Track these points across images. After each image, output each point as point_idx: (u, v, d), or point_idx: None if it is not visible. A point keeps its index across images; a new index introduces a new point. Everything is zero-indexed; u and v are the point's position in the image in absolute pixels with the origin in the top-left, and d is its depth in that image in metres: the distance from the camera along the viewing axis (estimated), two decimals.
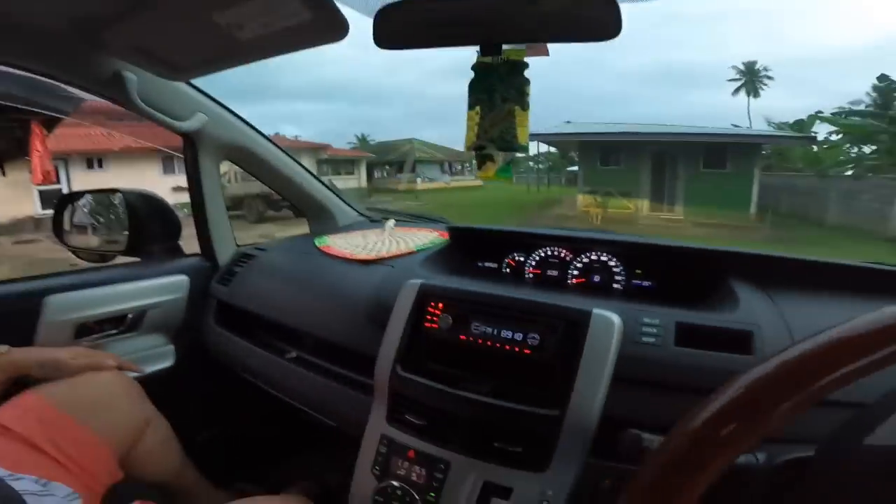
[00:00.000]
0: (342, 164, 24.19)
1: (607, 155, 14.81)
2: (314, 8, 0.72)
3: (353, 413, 0.84)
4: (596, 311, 0.67)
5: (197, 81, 1.13)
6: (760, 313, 0.69)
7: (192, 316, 1.23)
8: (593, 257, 0.95)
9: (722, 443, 0.30)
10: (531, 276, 1.00)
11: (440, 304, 0.76)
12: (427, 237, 1.17)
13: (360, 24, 0.78)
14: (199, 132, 1.16)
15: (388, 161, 27.63)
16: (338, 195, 1.45)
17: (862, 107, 16.19)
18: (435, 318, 0.75)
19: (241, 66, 0.94)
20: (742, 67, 31.95)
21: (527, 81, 0.68)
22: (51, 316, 1.00)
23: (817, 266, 0.81)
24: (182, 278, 1.20)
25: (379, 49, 0.71)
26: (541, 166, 21.59)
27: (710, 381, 0.60)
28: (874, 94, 16.12)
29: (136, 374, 1.03)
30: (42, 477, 0.74)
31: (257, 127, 1.26)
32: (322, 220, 1.44)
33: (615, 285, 0.93)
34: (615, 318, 0.66)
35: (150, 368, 1.13)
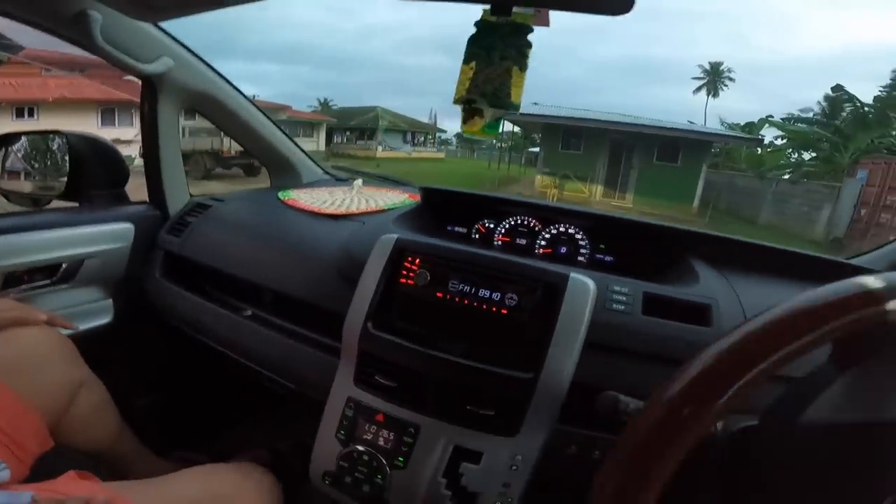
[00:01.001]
0: (302, 126, 23.79)
1: (569, 139, 15.12)
2: None
3: (316, 375, 0.81)
4: (573, 274, 0.67)
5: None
6: (717, 289, 0.73)
7: (136, 268, 1.13)
8: (561, 229, 0.97)
9: (696, 411, 0.31)
10: (499, 243, 1.01)
11: (417, 260, 0.74)
12: (398, 197, 1.16)
13: None
14: (163, 76, 1.07)
15: (350, 127, 27.29)
16: (303, 152, 1.39)
17: (811, 115, 17.32)
18: (411, 274, 0.73)
19: (217, 8, 0.87)
20: (708, 67, 33.62)
21: (528, 44, 0.67)
22: None
23: (767, 250, 0.87)
24: (126, 226, 1.10)
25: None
26: (503, 145, 21.90)
27: (673, 349, 0.64)
28: (824, 104, 17.05)
29: (69, 332, 0.92)
30: None
31: None
32: (286, 175, 1.38)
33: (579, 257, 0.95)
34: (591, 283, 0.67)
35: (86, 325, 1.05)
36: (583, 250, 0.95)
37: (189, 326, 1.07)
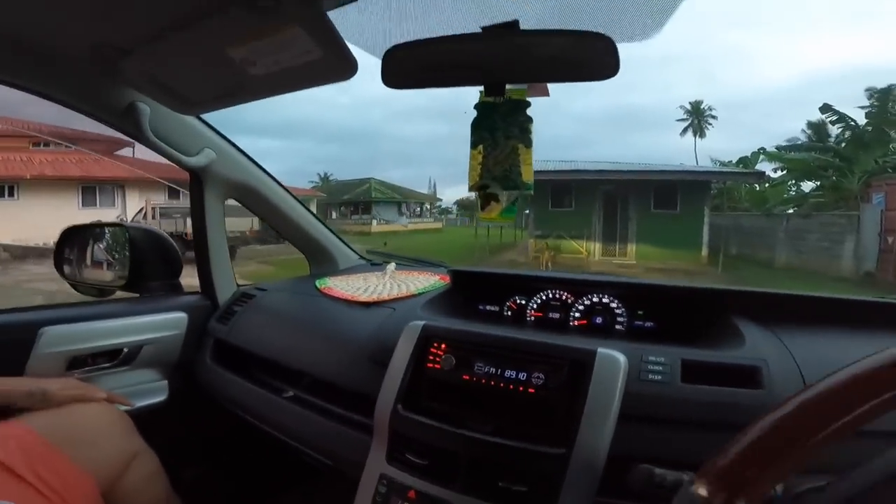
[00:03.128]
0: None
1: (559, 196, 14.00)
2: (325, 46, 0.76)
3: (350, 452, 0.83)
4: (601, 350, 0.67)
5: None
6: (767, 349, 0.70)
7: (188, 353, 1.21)
8: (595, 299, 0.96)
9: (748, 481, 0.30)
10: (532, 318, 1.01)
11: (443, 345, 0.76)
12: (428, 280, 1.18)
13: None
14: (206, 169, 1.17)
15: (343, 201, 26.50)
16: (339, 238, 1.46)
17: (800, 143, 16.08)
18: (437, 359, 0.75)
19: (250, 101, 0.98)
20: (689, 107, 33.11)
21: (529, 119, 0.70)
22: (44, 347, 0.99)
23: (818, 302, 0.83)
24: (181, 315, 1.19)
25: (388, 87, 0.74)
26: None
27: (720, 415, 0.61)
28: (809, 132, 16.33)
29: (126, 408, 1.02)
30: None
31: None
32: (323, 261, 1.44)
33: (617, 326, 0.93)
34: (620, 357, 0.66)
35: (142, 402, 1.11)
36: (620, 319, 0.93)
37: (236, 406, 1.13)
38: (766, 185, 18.17)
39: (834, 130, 15.48)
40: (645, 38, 0.67)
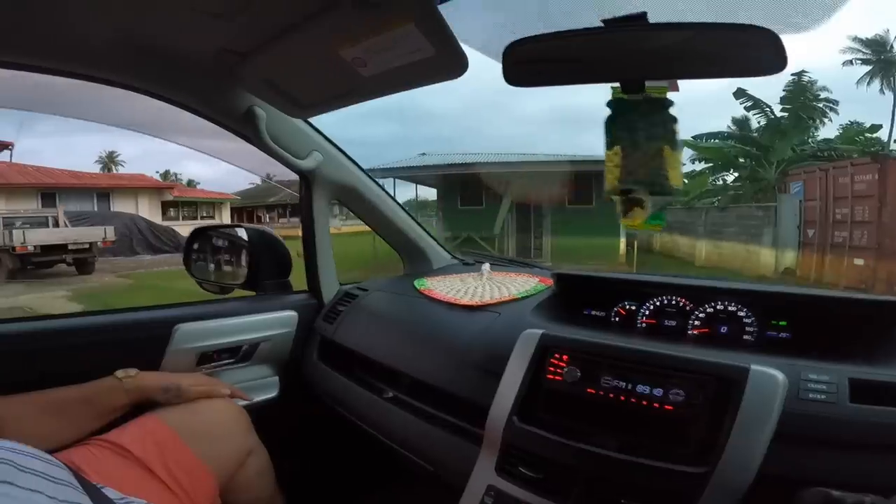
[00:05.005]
0: (201, 206, 20.80)
1: (468, 193, 12.79)
2: (437, 43, 0.75)
3: (453, 459, 0.83)
4: (754, 367, 0.62)
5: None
6: None
7: (297, 350, 1.26)
8: (718, 306, 0.88)
9: None
10: (644, 325, 0.94)
11: (564, 356, 0.73)
12: (528, 283, 1.15)
13: None
14: (314, 171, 1.21)
15: (269, 204, 24.97)
16: (433, 238, 1.47)
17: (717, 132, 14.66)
18: (559, 370, 0.72)
19: (360, 102, 0.99)
20: None
21: (674, 119, 0.65)
22: (178, 343, 1.07)
23: None
24: (291, 314, 1.24)
25: (510, 85, 0.71)
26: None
27: None
28: (733, 127, 14.96)
29: (244, 403, 1.08)
30: (151, 501, 0.75)
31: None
32: (417, 261, 1.46)
33: (746, 336, 0.85)
34: (779, 375, 0.61)
35: (257, 398, 1.17)
36: (749, 328, 0.85)
37: (338, 404, 1.17)
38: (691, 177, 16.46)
39: (755, 122, 14.30)
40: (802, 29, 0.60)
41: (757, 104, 13.47)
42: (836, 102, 14.55)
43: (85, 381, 0.94)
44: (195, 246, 1.35)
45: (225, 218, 20.73)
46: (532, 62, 0.70)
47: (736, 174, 14.87)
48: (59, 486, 0.60)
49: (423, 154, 14.39)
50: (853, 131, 14.48)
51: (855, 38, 15.52)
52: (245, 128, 1.09)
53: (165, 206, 17.67)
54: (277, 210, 24.47)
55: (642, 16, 0.61)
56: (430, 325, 1.05)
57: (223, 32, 0.87)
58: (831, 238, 8.44)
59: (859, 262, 7.83)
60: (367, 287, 1.31)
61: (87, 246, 10.14)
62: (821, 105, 14.39)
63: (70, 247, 9.87)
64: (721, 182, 15.76)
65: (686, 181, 15.64)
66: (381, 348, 1.09)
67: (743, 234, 10.38)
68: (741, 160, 14.04)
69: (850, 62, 15.91)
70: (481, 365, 0.85)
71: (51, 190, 14.09)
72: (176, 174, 33.33)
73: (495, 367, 0.78)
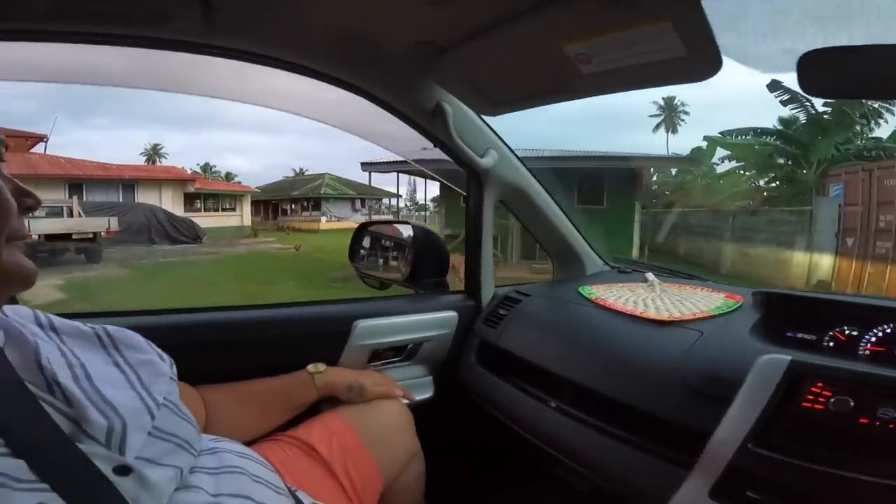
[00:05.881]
0: (223, 199, 21.43)
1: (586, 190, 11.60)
2: (693, 44, 0.69)
3: (638, 476, 0.81)
4: None
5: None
6: None
7: (454, 352, 1.24)
8: None
9: None
10: (867, 352, 0.85)
11: (828, 385, 0.67)
12: (713, 299, 1.06)
13: None
14: (488, 171, 1.17)
15: (293, 198, 25.34)
16: (588, 243, 1.41)
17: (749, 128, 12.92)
18: (821, 399, 0.67)
19: (564, 101, 0.95)
20: (662, 103, 30.89)
21: None
22: (356, 340, 1.07)
23: None
24: (452, 315, 1.22)
25: (808, 94, 0.68)
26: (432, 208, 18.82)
27: None
28: (780, 127, 12.98)
29: (407, 402, 1.05)
30: None
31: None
32: (570, 266, 1.40)
33: None
34: None
35: (416, 398, 1.15)
36: None
37: (496, 409, 1.13)
38: (720, 178, 15.08)
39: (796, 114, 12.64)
40: None
41: (795, 97, 11.97)
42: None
43: (273, 372, 0.95)
44: (361, 239, 1.35)
45: (245, 210, 21.66)
46: (832, 73, 0.66)
47: (772, 174, 13.56)
48: (281, 497, 0.59)
49: (425, 149, 13.84)
50: None
51: None
52: (430, 123, 1.06)
53: (188, 198, 18.26)
54: (301, 203, 25.16)
55: None
56: (613, 338, 0.99)
57: (426, 24, 0.84)
58: (873, 248, 7.45)
59: None
60: (528, 292, 1.26)
61: (91, 236, 10.51)
62: (876, 105, 12.85)
63: (74, 236, 10.28)
64: (754, 184, 14.54)
65: (720, 181, 14.99)
66: (554, 357, 1.04)
67: (773, 241, 9.52)
68: (778, 159, 12.76)
69: None
70: (696, 387, 0.80)
71: (78, 181, 14.89)
72: (212, 167, 35.81)
73: (717, 391, 0.74)
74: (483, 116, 1.14)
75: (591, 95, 0.92)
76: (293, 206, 25.41)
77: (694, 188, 15.69)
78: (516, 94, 0.98)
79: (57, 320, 0.57)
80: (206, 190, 21.35)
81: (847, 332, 0.88)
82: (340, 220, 22.62)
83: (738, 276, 9.47)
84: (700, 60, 0.73)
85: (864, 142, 12.43)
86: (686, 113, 32.70)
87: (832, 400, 0.66)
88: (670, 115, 32.38)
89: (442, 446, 1.18)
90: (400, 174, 13.36)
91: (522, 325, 1.15)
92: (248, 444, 0.73)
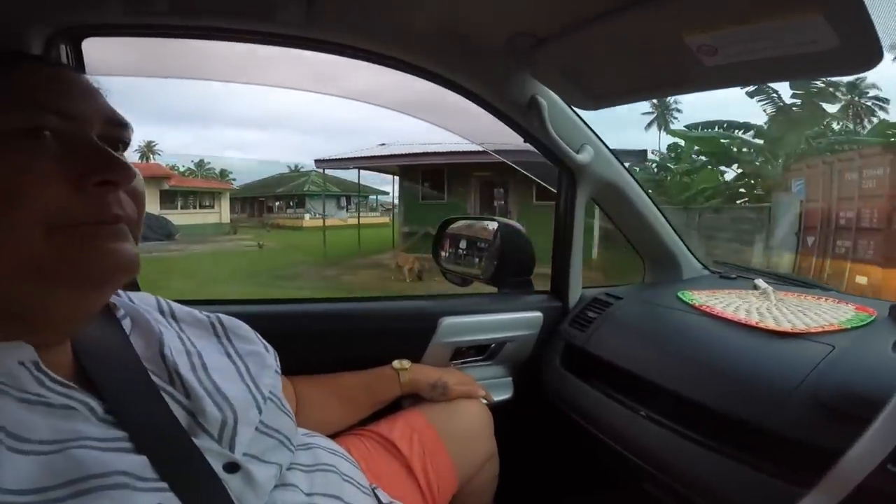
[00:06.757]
0: (202, 196, 20.98)
1: (431, 186, 11.71)
2: (848, 35, 0.60)
3: (746, 496, 0.75)
4: None
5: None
6: None
7: (536, 353, 1.20)
8: None
9: None
10: None
11: None
12: (841, 310, 0.96)
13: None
14: (583, 167, 1.12)
15: (278, 195, 24.97)
16: (686, 246, 1.31)
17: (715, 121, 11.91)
18: None
19: (678, 95, 0.88)
20: (655, 101, 26.05)
21: None
22: (441, 337, 1.05)
23: None
24: (537, 315, 1.18)
25: None
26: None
27: None
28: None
29: (486, 402, 1.02)
30: None
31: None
32: (666, 269, 1.31)
33: None
34: None
35: (495, 399, 1.12)
36: None
37: (580, 413, 1.07)
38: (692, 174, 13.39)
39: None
40: None
41: (761, 89, 11.88)
42: (886, 101, 13.38)
43: (357, 365, 0.95)
44: (445, 234, 1.34)
45: (224, 207, 21.49)
46: None
47: (740, 170, 12.61)
48: (365, 496, 0.57)
49: (382, 145, 13.62)
50: (886, 124, 11.93)
51: None
52: (525, 118, 1.02)
53: (166, 196, 18.25)
54: (287, 200, 25.22)
55: None
56: (725, 349, 0.91)
57: (526, 14, 0.80)
58: (833, 247, 6.90)
59: (862, 280, 6.08)
60: (620, 295, 1.19)
61: None
62: (869, 103, 13.23)
63: None
64: (723, 179, 13.40)
65: (691, 177, 13.85)
66: (653, 366, 0.97)
67: (735, 240, 8.91)
68: (745, 153, 11.95)
69: None
70: (829, 404, 0.73)
71: None
72: (206, 163, 35.06)
73: (854, 409, 0.68)
74: (578, 111, 1.08)
75: (711, 89, 0.84)
76: (278, 203, 25.77)
77: (666, 185, 14.58)
78: (620, 87, 0.91)
79: (176, 307, 0.58)
80: (183, 187, 21.35)
81: None
82: (328, 218, 21.89)
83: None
84: (855, 52, 0.64)
85: (837, 136, 11.82)
86: (679, 111, 31.18)
87: None
88: (663, 114, 30.92)
89: (518, 449, 1.15)
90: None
91: (615, 330, 1.09)
92: (331, 437, 0.73)
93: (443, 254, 1.33)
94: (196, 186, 22.74)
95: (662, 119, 31.44)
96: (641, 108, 31.89)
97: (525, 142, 1.08)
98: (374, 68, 0.94)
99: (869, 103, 13.19)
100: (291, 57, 0.90)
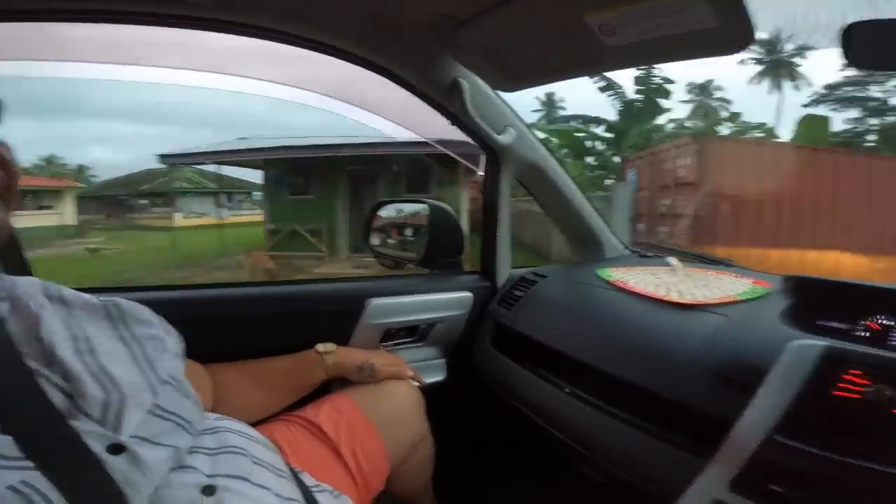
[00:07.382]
0: (41, 195, 18.70)
1: (298, 181, 11.31)
2: (725, 16, 0.65)
3: (654, 466, 0.78)
4: None
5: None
6: None
7: (468, 334, 1.22)
8: None
9: None
10: None
11: (862, 373, 0.63)
12: (740, 283, 1.02)
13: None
14: (506, 148, 1.14)
15: (142, 192, 22.28)
16: (608, 226, 1.37)
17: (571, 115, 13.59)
18: (855, 388, 0.63)
19: (588, 75, 0.93)
20: (544, 98, 28.63)
21: None
22: (368, 318, 1.05)
23: None
24: (467, 295, 1.20)
25: (853, 66, 0.64)
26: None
27: None
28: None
29: (417, 385, 1.03)
30: (336, 489, 0.72)
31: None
32: (590, 249, 1.36)
33: None
34: None
35: (427, 381, 1.13)
36: None
37: (510, 393, 1.10)
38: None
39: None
40: None
41: (610, 84, 12.65)
42: (729, 101, 14.88)
43: (282, 350, 0.94)
44: (376, 217, 1.33)
45: (68, 207, 18.79)
46: (878, 45, 0.64)
47: (593, 162, 13.78)
48: (282, 479, 0.57)
49: (243, 139, 12.90)
50: (715, 118, 13.82)
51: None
52: (447, 100, 1.03)
53: None
54: (151, 198, 21.94)
55: None
56: (634, 322, 0.96)
57: None
58: (657, 232, 7.57)
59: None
60: (545, 273, 1.23)
61: None
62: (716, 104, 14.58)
63: None
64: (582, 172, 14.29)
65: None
66: (571, 341, 1.00)
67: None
68: (597, 146, 13.08)
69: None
70: (721, 373, 0.76)
71: None
72: (59, 159, 31.14)
73: (743, 377, 0.70)
74: (501, 95, 1.11)
75: (615, 69, 0.88)
76: (142, 201, 22.55)
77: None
78: (536, 68, 0.94)
79: (67, 292, 0.56)
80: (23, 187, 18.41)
81: (881, 321, 0.83)
82: (201, 217, 19.81)
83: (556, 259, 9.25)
84: (730, 33, 0.69)
85: (672, 129, 13.04)
86: (563, 108, 30.85)
87: (869, 389, 0.62)
88: (549, 112, 30.97)
89: (452, 430, 1.17)
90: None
91: (538, 307, 1.12)
92: (256, 423, 0.72)
93: (373, 237, 1.33)
94: (33, 185, 19.38)
95: (547, 116, 31.41)
96: (532, 105, 31.42)
97: (451, 124, 1.10)
98: (279, 56, 0.93)
99: (716, 104, 14.59)
100: (182, 44, 0.87)
